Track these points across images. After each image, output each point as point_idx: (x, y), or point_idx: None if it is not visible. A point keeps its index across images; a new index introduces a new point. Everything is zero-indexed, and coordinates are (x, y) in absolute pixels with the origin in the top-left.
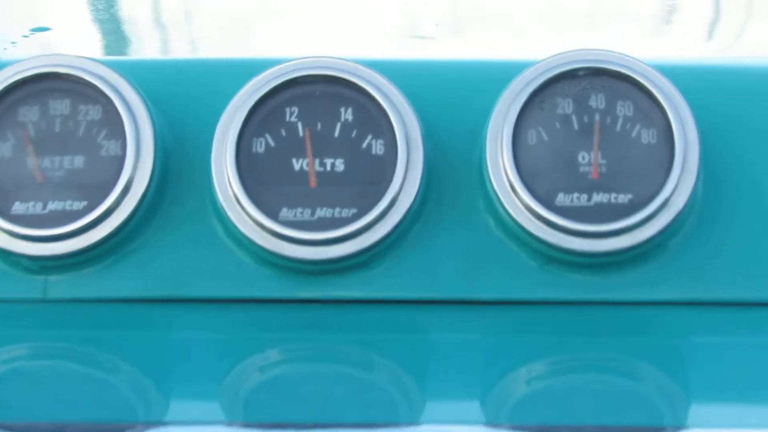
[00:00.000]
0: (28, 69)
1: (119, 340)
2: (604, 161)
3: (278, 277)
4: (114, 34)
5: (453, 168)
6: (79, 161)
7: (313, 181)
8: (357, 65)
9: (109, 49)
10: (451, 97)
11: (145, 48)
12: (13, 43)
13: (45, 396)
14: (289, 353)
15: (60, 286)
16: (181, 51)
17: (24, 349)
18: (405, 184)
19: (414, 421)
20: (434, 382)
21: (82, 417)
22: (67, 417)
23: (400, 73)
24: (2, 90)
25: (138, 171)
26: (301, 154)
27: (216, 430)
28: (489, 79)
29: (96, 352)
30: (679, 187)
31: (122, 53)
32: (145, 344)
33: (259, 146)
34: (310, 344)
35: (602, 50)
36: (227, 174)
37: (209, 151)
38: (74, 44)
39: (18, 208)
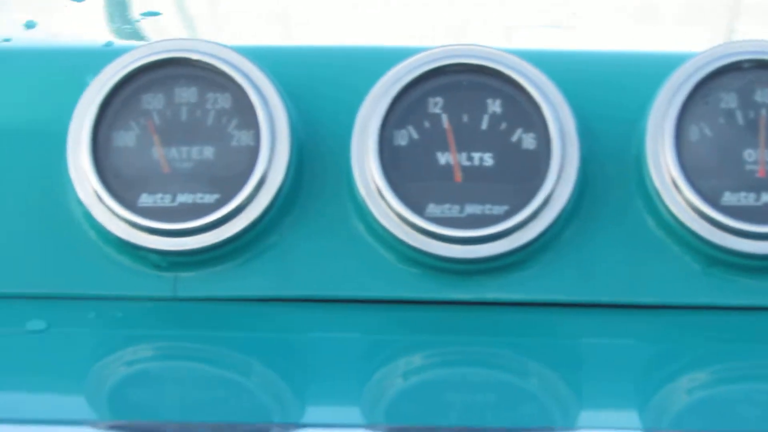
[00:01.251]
0: (153, 54)
1: (253, 342)
2: None
3: (424, 276)
4: (230, 19)
5: (608, 164)
6: (208, 152)
7: (458, 176)
8: (505, 54)
9: (227, 35)
10: (605, 90)
11: (271, 34)
12: (127, 26)
13: (174, 397)
14: (435, 357)
15: (191, 283)
16: (312, 38)
17: (153, 350)
18: (560, 181)
19: (568, 428)
20: (589, 388)
21: (213, 418)
22: (196, 418)
23: (550, 63)
24: (125, 76)
25: (273, 163)
26: (446, 148)
27: None
28: (644, 71)
29: (228, 353)
30: None
31: (242, 39)
32: (281, 346)
33: (402, 138)
34: (457, 348)
35: None
36: (370, 167)
37: (347, 143)
38: (189, 30)
39: (145, 200)
